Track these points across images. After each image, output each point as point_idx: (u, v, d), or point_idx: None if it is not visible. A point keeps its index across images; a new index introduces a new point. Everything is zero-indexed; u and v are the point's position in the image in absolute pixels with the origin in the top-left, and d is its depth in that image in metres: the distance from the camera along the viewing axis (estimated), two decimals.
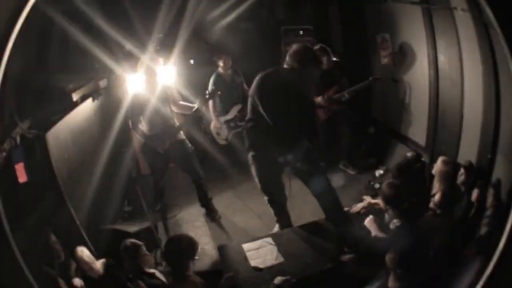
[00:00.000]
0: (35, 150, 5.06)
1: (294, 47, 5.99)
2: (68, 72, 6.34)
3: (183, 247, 4.86)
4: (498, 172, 5.85)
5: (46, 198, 5.16)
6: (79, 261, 4.93)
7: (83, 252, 5.00)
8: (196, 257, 5.14)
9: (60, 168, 5.53)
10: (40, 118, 5.28)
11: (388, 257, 4.56)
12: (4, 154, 4.51)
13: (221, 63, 8.55)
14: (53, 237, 4.83)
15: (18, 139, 4.72)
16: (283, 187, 6.71)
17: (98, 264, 5.05)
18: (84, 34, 6.23)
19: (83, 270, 4.92)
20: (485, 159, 6.16)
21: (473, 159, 6.35)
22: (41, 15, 4.98)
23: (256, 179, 6.50)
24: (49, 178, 5.27)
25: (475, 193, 5.62)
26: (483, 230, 4.97)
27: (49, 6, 5.09)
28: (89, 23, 6.31)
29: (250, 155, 6.35)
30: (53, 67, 5.94)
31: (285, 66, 5.97)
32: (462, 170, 5.98)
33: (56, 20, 5.64)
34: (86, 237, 5.62)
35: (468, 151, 6.66)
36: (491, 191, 5.35)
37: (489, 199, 5.30)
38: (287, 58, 5.95)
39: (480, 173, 5.99)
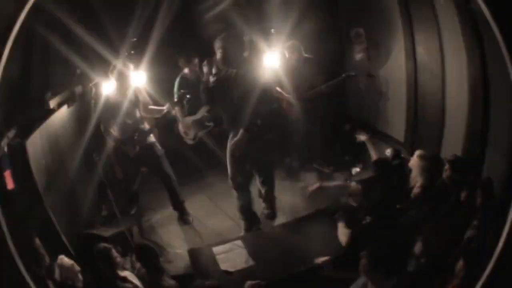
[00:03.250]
0: (18, 157, 5.54)
1: None
2: (49, 80, 6.88)
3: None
4: (489, 169, 6.11)
5: (29, 203, 5.65)
6: (62, 269, 5.29)
7: (63, 260, 5.36)
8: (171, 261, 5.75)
9: (39, 174, 5.99)
10: (22, 126, 5.76)
11: (360, 263, 4.70)
12: None
13: (187, 68, 8.90)
14: (37, 241, 5.24)
15: (5, 148, 5.23)
16: (249, 181, 7.57)
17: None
18: (60, 41, 6.72)
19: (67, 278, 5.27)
20: (473, 155, 6.40)
21: (459, 154, 6.46)
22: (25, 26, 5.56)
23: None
24: (29, 184, 5.73)
25: (463, 192, 5.59)
26: (472, 233, 5.05)
27: (32, 16, 5.70)
28: (65, 30, 6.82)
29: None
30: (35, 76, 6.40)
31: None
32: (446, 165, 6.00)
33: (37, 29, 6.10)
34: (66, 242, 6.06)
35: (453, 146, 6.87)
36: (479, 191, 5.32)
37: (478, 199, 5.28)
38: None
39: (468, 169, 6.01)
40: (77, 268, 5.41)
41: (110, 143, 7.65)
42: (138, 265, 6.02)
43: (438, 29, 6.96)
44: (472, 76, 6.34)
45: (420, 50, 7.55)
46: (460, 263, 4.46)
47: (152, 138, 7.92)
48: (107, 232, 6.91)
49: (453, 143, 6.96)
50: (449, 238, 5.09)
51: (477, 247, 4.71)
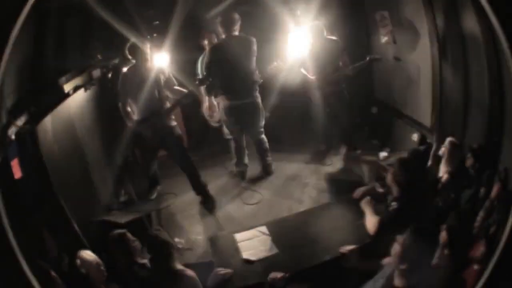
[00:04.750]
0: (27, 144, 5.33)
1: None
2: (65, 65, 6.66)
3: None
4: (506, 158, 5.74)
5: (38, 192, 5.43)
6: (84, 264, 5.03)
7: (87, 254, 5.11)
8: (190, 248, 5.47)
9: (50, 161, 5.75)
10: (32, 112, 5.53)
11: (393, 249, 4.42)
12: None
13: (206, 42, 8.68)
14: (45, 232, 5.06)
15: (14, 136, 4.99)
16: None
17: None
18: (79, 23, 6.64)
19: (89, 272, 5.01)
20: (493, 143, 6.04)
21: (482, 141, 6.24)
22: (37, 10, 5.34)
23: None
24: (40, 172, 5.53)
25: (483, 181, 5.48)
26: (489, 222, 4.85)
27: None
28: (83, 11, 6.71)
29: None
30: (49, 60, 6.19)
31: None
32: (469, 153, 5.91)
33: (52, 9, 5.95)
34: (78, 231, 5.82)
35: (477, 133, 6.57)
36: (497, 180, 5.22)
37: (495, 189, 5.15)
38: None
39: (488, 158, 5.86)
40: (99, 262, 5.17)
41: (128, 124, 7.43)
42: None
43: (458, 16, 6.73)
44: (490, 63, 6.05)
45: (443, 35, 7.28)
46: (481, 249, 4.34)
47: (172, 121, 7.70)
48: (123, 219, 6.62)
49: (477, 131, 6.62)
50: (471, 227, 4.91)
51: (496, 231, 4.54)
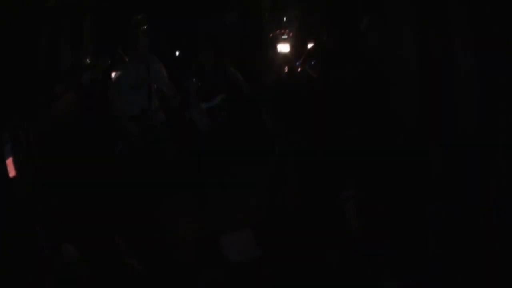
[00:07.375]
0: (21, 144, 5.44)
1: None
2: (57, 67, 6.79)
3: None
4: (500, 157, 5.69)
5: (31, 191, 5.54)
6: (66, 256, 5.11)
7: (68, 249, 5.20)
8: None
9: (43, 160, 5.91)
10: (26, 113, 5.64)
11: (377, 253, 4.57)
12: None
13: (203, 59, 8.66)
14: (38, 229, 5.08)
15: (8, 135, 5.10)
16: None
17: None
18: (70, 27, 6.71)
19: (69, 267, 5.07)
20: (484, 146, 5.98)
21: (471, 141, 6.21)
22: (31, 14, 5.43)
23: None
24: (32, 171, 5.66)
25: (474, 181, 5.51)
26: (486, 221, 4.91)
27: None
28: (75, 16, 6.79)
29: None
30: (43, 62, 6.33)
31: None
32: (456, 154, 6.01)
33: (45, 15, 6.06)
34: (70, 229, 5.76)
35: (465, 138, 6.46)
36: (491, 180, 5.21)
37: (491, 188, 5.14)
38: None
39: (481, 159, 5.84)
40: (81, 256, 5.22)
41: (119, 121, 7.43)
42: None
43: (448, 18, 6.69)
44: (482, 66, 5.97)
45: (430, 37, 7.20)
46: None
47: (161, 120, 7.76)
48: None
49: (462, 131, 6.57)
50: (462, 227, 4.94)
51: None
